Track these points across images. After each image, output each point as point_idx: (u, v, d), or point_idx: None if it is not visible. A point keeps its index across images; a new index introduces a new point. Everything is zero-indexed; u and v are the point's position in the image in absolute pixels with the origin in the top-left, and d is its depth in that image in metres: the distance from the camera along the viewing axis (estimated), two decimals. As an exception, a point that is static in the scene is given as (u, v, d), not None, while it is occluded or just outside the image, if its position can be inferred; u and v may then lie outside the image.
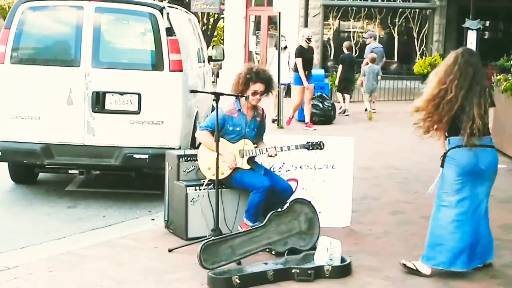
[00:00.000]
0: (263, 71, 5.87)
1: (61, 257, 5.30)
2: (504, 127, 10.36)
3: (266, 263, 4.96)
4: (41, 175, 8.20)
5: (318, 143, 5.82)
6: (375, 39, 18.05)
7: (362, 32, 23.88)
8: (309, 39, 13.00)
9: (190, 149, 7.36)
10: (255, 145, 5.79)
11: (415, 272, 4.96)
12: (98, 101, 7.10)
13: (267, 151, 5.74)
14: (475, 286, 4.84)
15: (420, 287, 4.80)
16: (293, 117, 13.59)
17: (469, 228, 4.88)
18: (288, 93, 15.14)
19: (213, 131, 5.57)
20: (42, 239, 5.99)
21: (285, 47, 14.27)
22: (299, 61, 12.80)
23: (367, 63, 15.82)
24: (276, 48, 14.06)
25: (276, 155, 5.76)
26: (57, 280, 4.79)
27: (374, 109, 15.69)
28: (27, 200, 7.41)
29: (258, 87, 5.78)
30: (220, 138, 5.60)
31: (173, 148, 6.92)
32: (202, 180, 5.78)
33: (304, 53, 12.91)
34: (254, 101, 5.81)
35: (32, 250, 5.64)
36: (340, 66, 15.84)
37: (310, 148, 5.81)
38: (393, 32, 23.35)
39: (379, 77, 15.75)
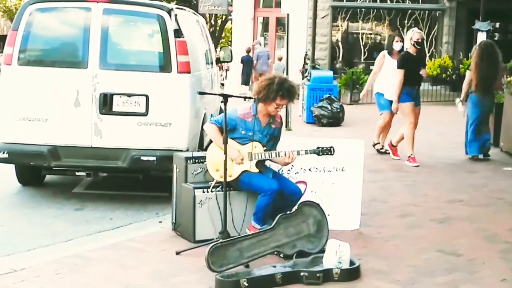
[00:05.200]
0: (293, 87, 5.76)
1: (68, 259, 5.27)
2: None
3: (274, 266, 4.92)
4: (48, 177, 8.18)
5: (329, 148, 5.74)
6: (260, 44, 22.55)
7: (371, 34, 23.84)
8: (418, 43, 9.62)
9: (198, 151, 7.33)
10: (265, 149, 5.73)
11: None
12: (106, 103, 7.08)
13: (277, 155, 5.68)
14: (485, 290, 4.79)
15: (429, 291, 4.75)
16: (413, 155, 9.70)
17: None
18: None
19: (223, 128, 5.52)
20: (49, 241, 5.96)
21: (400, 51, 10.34)
22: (400, 73, 9.55)
23: (255, 64, 21.80)
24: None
25: (293, 159, 5.68)
26: (64, 283, 4.77)
27: None
28: (34, 202, 7.40)
29: (284, 102, 5.73)
30: (229, 140, 5.57)
31: (181, 150, 6.87)
32: (210, 182, 5.75)
33: (410, 62, 9.59)
34: (274, 112, 5.77)
35: (39, 253, 5.62)
36: (241, 65, 22.09)
37: (320, 153, 5.74)
38: (403, 34, 23.18)
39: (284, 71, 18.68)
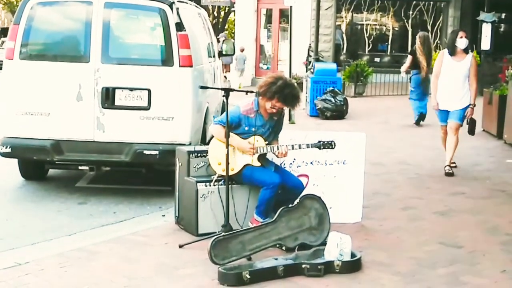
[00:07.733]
0: (293, 96, 5.71)
1: (72, 253, 5.30)
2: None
3: (276, 259, 4.95)
4: (51, 172, 8.20)
5: (330, 142, 5.76)
6: (225, 38, 22.31)
7: (375, 25, 23.75)
8: None
9: (200, 145, 7.35)
10: (266, 142, 5.75)
11: None
12: (108, 97, 7.09)
13: (278, 148, 5.70)
14: (485, 281, 4.80)
15: (430, 282, 4.76)
16: None
17: None
18: None
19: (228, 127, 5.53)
20: (52, 235, 5.99)
21: (466, 49, 8.79)
22: None
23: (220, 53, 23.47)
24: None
25: (286, 154, 5.72)
26: (68, 276, 4.80)
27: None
28: (38, 196, 7.43)
29: (280, 105, 5.71)
30: (233, 135, 5.58)
31: (183, 144, 6.89)
32: (212, 176, 5.77)
33: None
34: (270, 110, 5.75)
35: (43, 246, 5.65)
36: None
37: (322, 147, 5.76)
38: (407, 25, 23.20)
39: (245, 62, 22.73)
